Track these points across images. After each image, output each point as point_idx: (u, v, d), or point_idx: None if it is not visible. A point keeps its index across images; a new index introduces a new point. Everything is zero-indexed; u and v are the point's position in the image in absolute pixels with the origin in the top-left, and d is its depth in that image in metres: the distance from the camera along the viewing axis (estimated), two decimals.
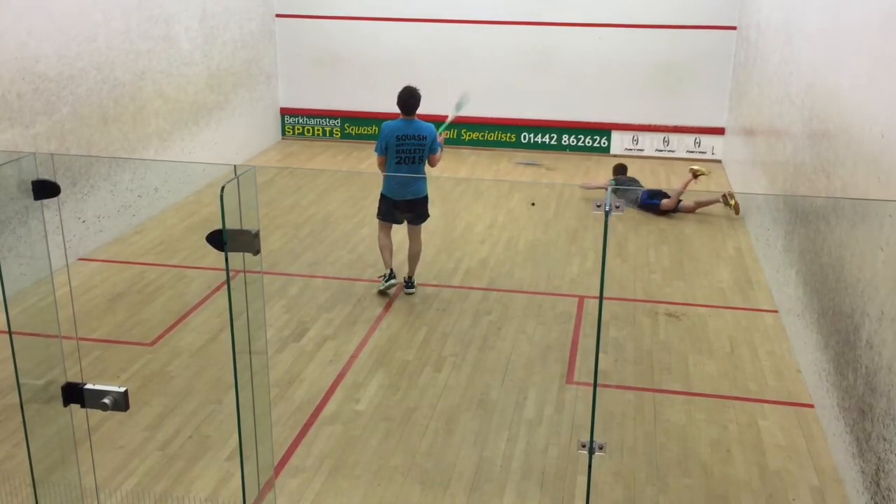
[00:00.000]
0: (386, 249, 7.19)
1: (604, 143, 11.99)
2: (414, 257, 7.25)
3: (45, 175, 3.20)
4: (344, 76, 12.37)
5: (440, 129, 7.17)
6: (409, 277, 7.28)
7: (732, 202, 9.29)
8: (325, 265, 7.91)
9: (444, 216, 9.22)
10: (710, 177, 10.92)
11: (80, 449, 3.57)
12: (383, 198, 7.13)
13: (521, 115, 12.13)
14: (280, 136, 12.74)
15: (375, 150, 7.07)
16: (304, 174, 10.84)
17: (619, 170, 10.26)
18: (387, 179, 7.05)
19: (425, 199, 7.16)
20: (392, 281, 7.14)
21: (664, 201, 9.35)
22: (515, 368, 6.05)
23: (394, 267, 7.18)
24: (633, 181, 10.06)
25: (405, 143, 6.93)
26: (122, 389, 3.09)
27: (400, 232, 7.41)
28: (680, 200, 9.38)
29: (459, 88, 12.05)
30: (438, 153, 7.07)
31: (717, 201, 9.36)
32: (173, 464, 4.92)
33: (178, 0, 9.42)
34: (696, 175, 9.59)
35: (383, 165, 7.02)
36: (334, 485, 4.76)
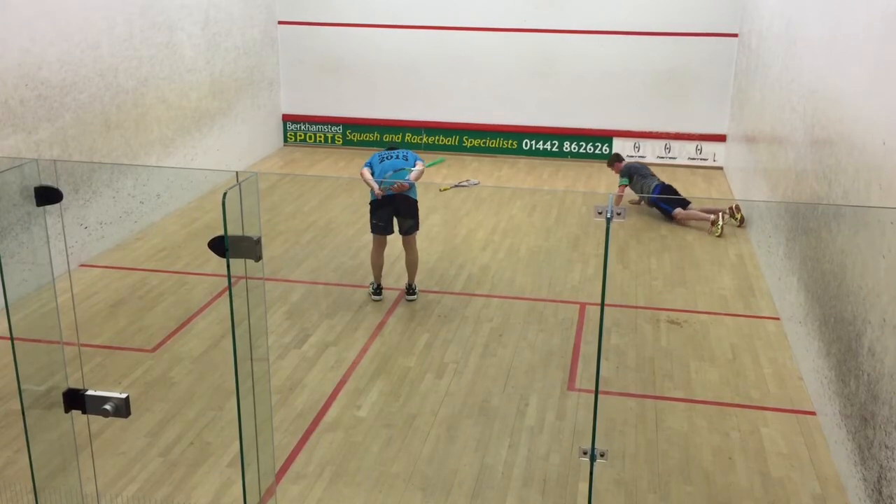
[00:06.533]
0: (377, 268, 7.24)
1: (605, 150, 12.00)
2: (412, 265, 7.26)
3: (48, 181, 3.21)
4: (346, 83, 12.40)
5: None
6: (410, 284, 7.29)
7: (739, 216, 9.26)
8: (326, 272, 7.91)
9: (446, 223, 9.23)
10: (712, 183, 10.93)
11: (81, 455, 3.57)
12: (372, 206, 7.13)
13: (522, 122, 12.14)
14: (282, 143, 12.76)
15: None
16: (305, 181, 10.85)
17: (618, 157, 10.21)
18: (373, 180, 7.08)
19: (415, 203, 7.16)
20: (378, 297, 7.23)
21: (679, 212, 9.33)
22: (517, 375, 6.04)
23: (394, 276, 7.15)
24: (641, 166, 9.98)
25: (387, 153, 7.29)
26: (124, 395, 3.09)
27: (395, 246, 7.39)
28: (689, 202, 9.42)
29: (461, 95, 12.14)
30: (418, 170, 7.12)
31: (709, 219, 9.24)
32: (174, 470, 4.92)
33: (181, 7, 9.45)
34: (714, 222, 9.06)
35: (368, 177, 7.06)
36: (336, 491, 4.75)
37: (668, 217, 9.42)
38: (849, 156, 5.26)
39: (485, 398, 5.73)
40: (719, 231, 8.96)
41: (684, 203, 9.40)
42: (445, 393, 5.79)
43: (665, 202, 9.44)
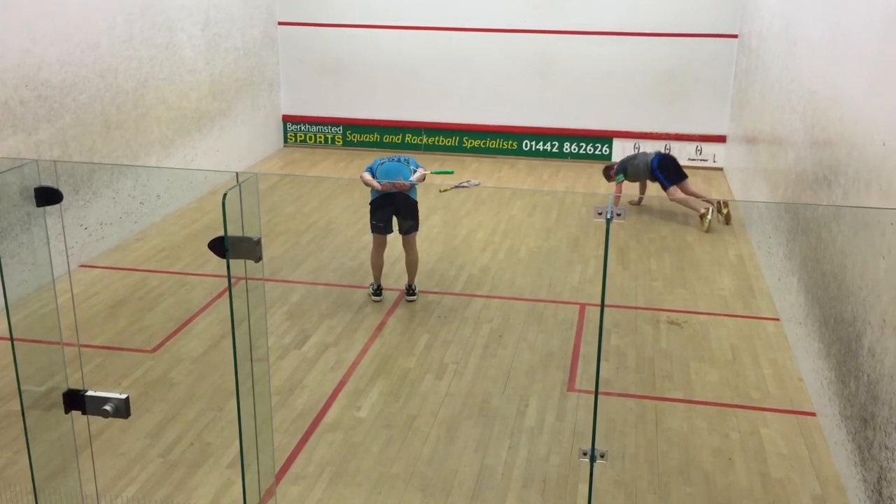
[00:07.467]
0: (376, 268, 7.25)
1: (605, 151, 12.00)
2: (412, 266, 7.26)
3: (48, 182, 3.21)
4: (346, 84, 12.40)
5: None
6: (410, 285, 7.29)
7: (725, 211, 9.29)
8: (326, 272, 7.91)
9: (446, 224, 9.23)
10: (712, 184, 10.94)
11: (81, 456, 3.57)
12: (373, 206, 7.14)
13: (522, 123, 12.15)
14: (282, 144, 12.76)
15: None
16: (305, 181, 10.85)
17: (608, 166, 10.24)
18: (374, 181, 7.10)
19: (415, 203, 7.17)
20: (378, 297, 7.23)
21: (672, 192, 9.38)
22: (517, 376, 6.04)
23: (394, 277, 7.16)
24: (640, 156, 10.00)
25: (388, 158, 7.36)
26: (124, 396, 3.09)
27: (395, 247, 7.40)
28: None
29: (461, 96, 12.14)
30: (419, 173, 7.17)
31: (697, 211, 9.29)
32: (174, 471, 4.92)
33: (181, 8, 9.46)
34: (703, 216, 9.08)
35: (368, 178, 7.08)
36: (335, 492, 4.75)
37: (664, 189, 9.51)
38: (849, 156, 5.26)
39: (485, 399, 5.73)
40: (707, 226, 9.00)
41: (682, 179, 9.49)
42: (445, 394, 5.78)
43: (665, 177, 9.46)
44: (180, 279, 7.70)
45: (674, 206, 9.68)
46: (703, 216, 9.07)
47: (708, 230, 9.01)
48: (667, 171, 9.48)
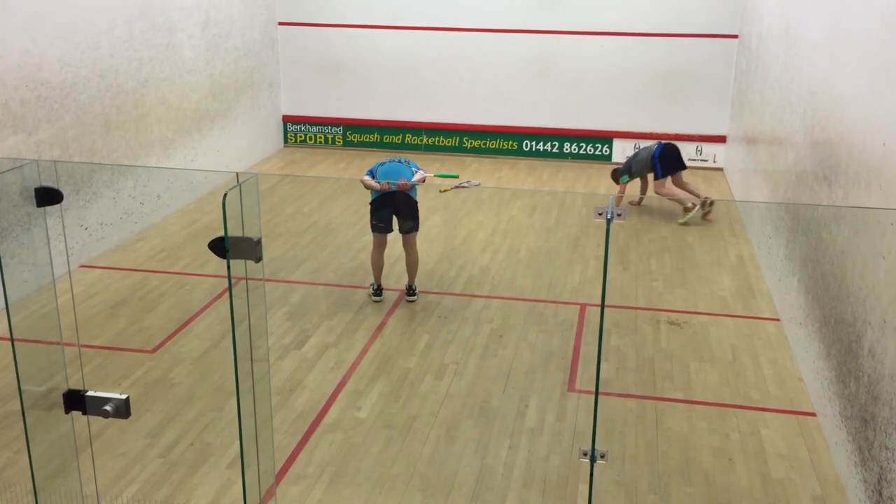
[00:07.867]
0: (377, 269, 7.25)
1: (605, 151, 12.00)
2: (412, 266, 7.26)
3: (48, 182, 3.21)
4: (346, 84, 12.40)
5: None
6: (410, 285, 7.29)
7: (708, 209, 9.35)
8: (326, 272, 7.91)
9: (446, 224, 9.23)
10: (712, 184, 10.94)
11: (81, 456, 3.57)
12: (373, 206, 7.14)
13: (522, 123, 12.14)
14: (282, 144, 12.76)
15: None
16: (306, 182, 10.85)
17: (615, 170, 10.27)
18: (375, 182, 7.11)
19: (416, 203, 7.18)
20: (378, 298, 7.23)
21: (659, 185, 9.48)
22: (517, 376, 6.04)
23: (394, 277, 7.16)
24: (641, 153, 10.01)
25: (388, 160, 7.39)
26: (124, 396, 3.09)
27: (396, 247, 7.40)
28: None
29: (461, 96, 12.14)
30: (420, 175, 7.19)
31: (683, 204, 9.36)
32: (174, 471, 4.92)
33: (181, 8, 9.46)
34: (689, 210, 9.32)
35: (368, 180, 7.10)
36: (335, 492, 4.75)
37: (655, 179, 9.58)
38: (849, 157, 5.27)
39: (485, 399, 5.73)
40: (685, 220, 9.14)
41: (679, 170, 9.52)
42: (445, 394, 5.78)
43: (661, 168, 9.52)
44: (180, 279, 7.70)
45: (674, 206, 9.68)
46: (687, 210, 9.21)
47: (685, 224, 9.18)
48: (666, 161, 9.52)
